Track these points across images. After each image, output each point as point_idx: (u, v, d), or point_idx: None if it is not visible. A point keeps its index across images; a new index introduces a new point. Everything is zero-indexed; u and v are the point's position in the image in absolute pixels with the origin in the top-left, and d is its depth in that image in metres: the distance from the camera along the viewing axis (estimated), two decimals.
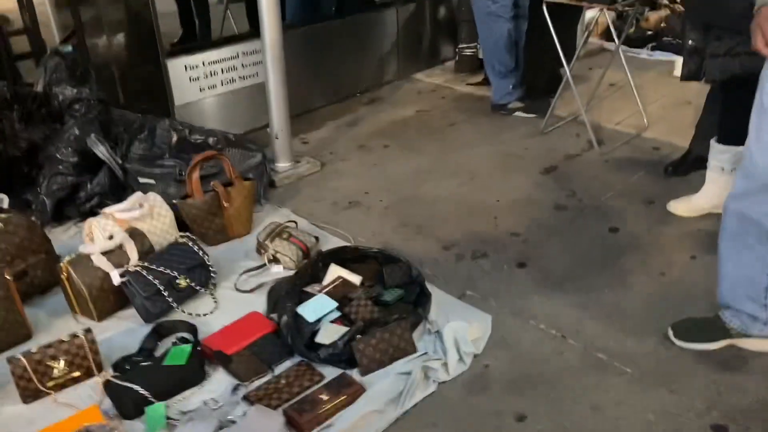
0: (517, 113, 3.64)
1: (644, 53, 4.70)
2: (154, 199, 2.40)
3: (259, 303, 2.14)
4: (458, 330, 1.90)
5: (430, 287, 2.16)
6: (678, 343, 1.91)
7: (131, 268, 2.03)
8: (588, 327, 2.01)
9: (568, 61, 3.26)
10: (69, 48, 3.01)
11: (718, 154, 2.47)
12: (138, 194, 2.38)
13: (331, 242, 2.47)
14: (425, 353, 1.86)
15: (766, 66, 1.58)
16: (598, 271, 2.29)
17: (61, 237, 2.54)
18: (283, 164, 3.02)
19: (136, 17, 3.09)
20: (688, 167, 2.85)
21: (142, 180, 2.80)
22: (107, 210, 2.29)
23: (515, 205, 2.74)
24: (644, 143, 3.26)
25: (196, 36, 4.66)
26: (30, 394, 1.74)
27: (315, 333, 1.92)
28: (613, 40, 4.54)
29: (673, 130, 3.30)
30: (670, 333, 1.92)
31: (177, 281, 2.07)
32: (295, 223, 2.50)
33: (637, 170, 2.98)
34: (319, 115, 3.75)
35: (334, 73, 3.97)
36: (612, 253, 2.39)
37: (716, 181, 2.52)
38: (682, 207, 2.58)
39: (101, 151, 2.61)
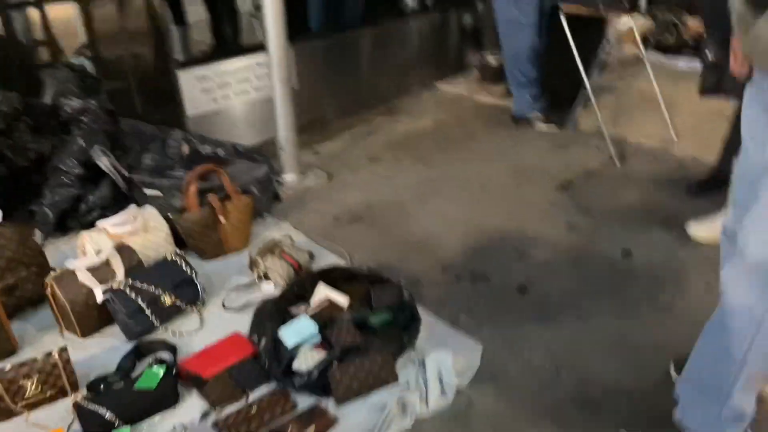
0: (539, 125, 3.51)
1: (682, 62, 4.48)
2: (150, 212, 2.38)
3: (246, 322, 2.08)
4: (442, 360, 1.80)
5: (422, 311, 2.07)
6: None
7: (115, 285, 2.00)
8: (585, 360, 1.88)
9: (592, 72, 3.12)
10: (83, 59, 3.05)
11: None
12: (133, 207, 2.37)
13: (326, 259, 2.41)
14: (406, 384, 1.77)
15: (746, 94, 1.44)
16: (604, 298, 2.15)
17: (63, 248, 2.56)
18: (289, 176, 2.98)
19: (148, 29, 3.10)
20: (714, 186, 2.67)
21: (148, 191, 2.80)
22: (100, 224, 2.28)
23: (525, 224, 2.62)
24: (670, 159, 3.08)
25: (227, 44, 4.70)
26: (1, 413, 1.72)
27: (294, 358, 1.85)
28: (651, 49, 4.38)
29: (702, 146, 3.11)
30: (672, 369, 1.78)
31: (161, 299, 2.03)
32: (291, 238, 2.44)
33: (659, 188, 2.82)
34: (335, 126, 3.70)
35: (354, 82, 3.92)
36: (621, 278, 2.25)
37: None
38: (702, 230, 2.41)
39: (104, 162, 2.61)
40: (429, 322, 2.04)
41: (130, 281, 2.02)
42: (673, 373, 1.77)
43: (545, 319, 2.07)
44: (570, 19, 3.05)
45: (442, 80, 4.31)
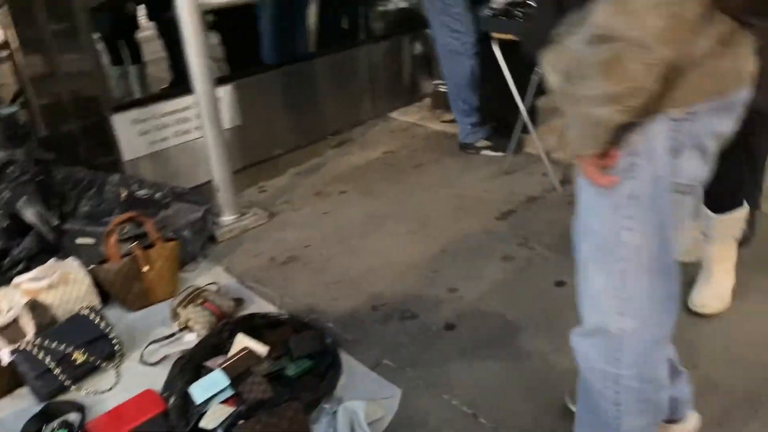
0: (485, 152, 3.48)
1: None
2: (70, 265, 2.33)
3: (164, 377, 2.02)
4: (355, 411, 1.74)
5: (344, 356, 2.01)
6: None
7: (23, 345, 1.94)
8: (505, 402, 1.82)
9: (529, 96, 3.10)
10: (14, 107, 3.00)
11: None
12: (52, 260, 2.31)
13: (255, 304, 2.35)
14: None
15: None
16: (533, 333, 2.10)
17: None
18: (227, 217, 2.92)
19: (81, 75, 3.06)
20: None
21: (80, 241, 2.75)
22: (17, 279, 2.22)
23: (460, 256, 2.57)
24: None
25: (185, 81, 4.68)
26: None
27: (204, 415, 1.79)
28: None
29: None
30: (568, 400, 1.72)
31: (73, 357, 1.97)
32: (217, 284, 2.38)
33: None
34: (284, 161, 3.65)
35: (304, 115, 3.89)
36: (553, 311, 2.19)
37: None
38: None
39: (29, 214, 2.56)
40: (351, 368, 1.98)
41: (39, 340, 1.95)
42: (569, 404, 1.72)
43: (470, 358, 2.01)
44: (509, 43, 3.03)
45: (395, 109, 4.29)
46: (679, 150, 1.09)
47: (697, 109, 1.05)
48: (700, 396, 1.80)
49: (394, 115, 4.24)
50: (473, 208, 2.93)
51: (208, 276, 2.54)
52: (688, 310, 2.13)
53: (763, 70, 1.74)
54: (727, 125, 1.13)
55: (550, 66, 1.03)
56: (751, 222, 2.34)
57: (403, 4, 4.85)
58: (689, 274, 2.22)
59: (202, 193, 3.01)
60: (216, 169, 2.85)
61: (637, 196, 1.12)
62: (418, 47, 4.40)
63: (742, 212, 2.13)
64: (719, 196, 2.09)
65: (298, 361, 1.97)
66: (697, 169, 1.15)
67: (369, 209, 3.02)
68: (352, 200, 3.14)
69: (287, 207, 3.12)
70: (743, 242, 2.30)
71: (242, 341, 2.03)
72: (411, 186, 3.23)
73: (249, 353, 1.98)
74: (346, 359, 2.00)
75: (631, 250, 1.16)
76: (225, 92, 3.46)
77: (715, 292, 2.14)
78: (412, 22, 4.48)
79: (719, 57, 0.99)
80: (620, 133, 1.05)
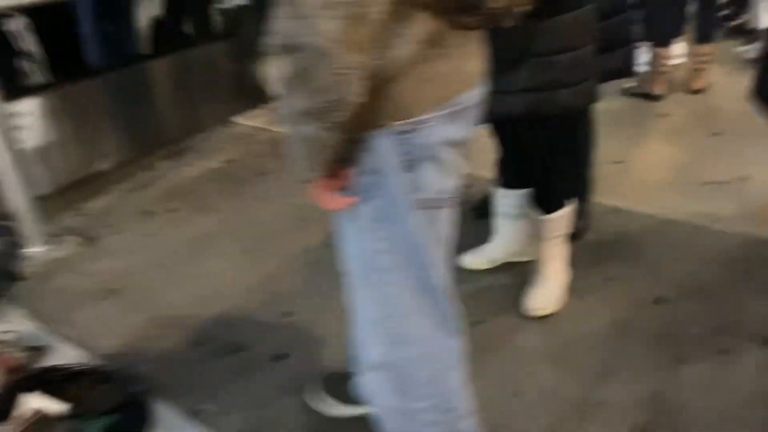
0: None
1: None
2: None
3: None
4: None
5: (159, 405, 1.78)
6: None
7: None
8: None
9: None
10: None
11: (501, 198, 2.22)
12: None
13: (58, 353, 2.04)
14: None
15: None
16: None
17: None
18: (34, 249, 2.57)
19: None
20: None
21: None
22: None
23: (298, 274, 2.40)
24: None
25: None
26: None
27: None
28: None
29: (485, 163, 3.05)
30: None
31: None
32: (13, 332, 2.06)
33: None
34: (109, 178, 3.29)
35: (135, 124, 3.54)
36: None
37: (506, 227, 2.27)
38: (472, 260, 2.31)
39: None
40: (164, 419, 1.75)
41: None
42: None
43: (300, 391, 1.84)
44: None
45: (239, 113, 4.03)
46: (412, 164, 0.98)
47: (423, 119, 0.94)
48: (534, 404, 1.76)
49: (237, 119, 3.99)
50: (315, 219, 2.76)
51: (3, 323, 2.19)
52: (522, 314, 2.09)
53: (552, 70, 1.72)
54: (461, 131, 1.03)
55: (269, 80, 0.89)
56: (582, 216, 2.36)
57: (243, 2, 4.60)
58: (525, 275, 2.20)
59: (5, 223, 2.63)
60: (15, 196, 2.49)
61: (382, 217, 1.01)
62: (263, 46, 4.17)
63: (568, 209, 2.12)
64: (543, 196, 2.07)
65: (100, 418, 1.72)
66: (439, 182, 1.04)
67: (201, 228, 2.77)
68: (184, 219, 2.88)
69: (108, 231, 2.80)
70: (576, 237, 2.31)
71: (33, 401, 1.74)
72: (251, 198, 3.02)
73: (40, 415, 1.70)
74: (160, 409, 1.77)
75: (392, 274, 1.05)
76: (34, 104, 3.07)
77: (546, 293, 2.12)
78: (256, 19, 4.25)
79: (434, 60, 0.89)
80: (344, 152, 0.92)
